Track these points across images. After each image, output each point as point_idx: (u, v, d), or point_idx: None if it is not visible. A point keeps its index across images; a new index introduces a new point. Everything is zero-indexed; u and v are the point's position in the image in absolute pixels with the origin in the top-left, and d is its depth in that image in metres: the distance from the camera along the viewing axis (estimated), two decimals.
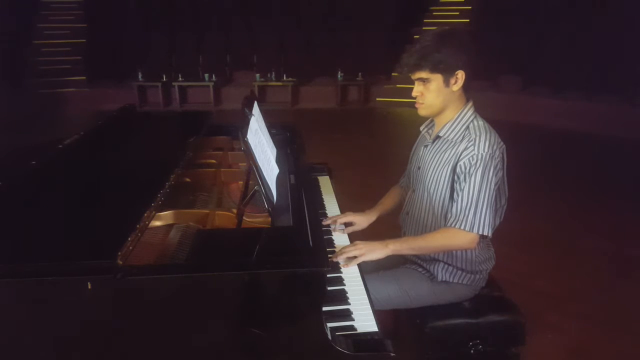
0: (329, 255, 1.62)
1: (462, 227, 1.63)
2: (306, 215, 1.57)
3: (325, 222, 1.94)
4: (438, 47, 1.63)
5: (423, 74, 1.67)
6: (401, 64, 1.72)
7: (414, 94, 1.73)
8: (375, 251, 1.65)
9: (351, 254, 1.65)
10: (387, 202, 2.11)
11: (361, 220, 1.99)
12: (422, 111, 1.75)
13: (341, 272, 1.63)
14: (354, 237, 1.92)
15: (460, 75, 1.66)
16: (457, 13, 9.99)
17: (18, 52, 8.88)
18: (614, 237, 3.81)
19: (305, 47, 9.63)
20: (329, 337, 1.22)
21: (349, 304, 1.48)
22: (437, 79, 1.67)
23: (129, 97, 8.17)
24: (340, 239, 1.89)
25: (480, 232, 1.63)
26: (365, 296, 1.53)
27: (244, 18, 9.88)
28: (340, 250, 1.69)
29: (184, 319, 1.20)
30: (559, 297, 2.95)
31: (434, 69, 1.65)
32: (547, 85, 7.75)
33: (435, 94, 1.69)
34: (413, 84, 1.73)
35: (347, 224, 1.99)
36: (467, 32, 1.77)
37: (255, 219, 1.67)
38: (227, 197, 1.91)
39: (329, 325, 1.30)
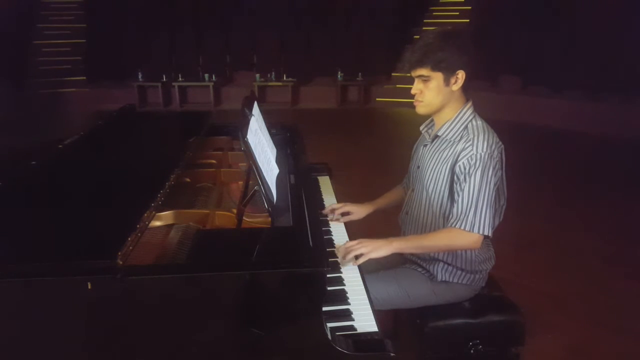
0: (332, 259, 1.61)
1: (463, 227, 1.62)
2: (306, 215, 1.57)
3: (323, 212, 1.98)
4: (441, 46, 1.63)
5: (424, 72, 1.67)
6: (403, 60, 1.72)
7: (413, 91, 1.73)
8: (380, 249, 1.62)
9: (357, 252, 1.61)
10: (387, 197, 2.13)
11: (358, 210, 2.03)
12: (421, 109, 1.75)
13: (341, 272, 1.63)
14: (355, 234, 1.92)
15: (461, 75, 1.66)
16: (457, 13, 9.98)
17: (18, 52, 8.87)
18: (614, 237, 3.81)
19: (305, 47, 9.63)
20: (329, 337, 1.22)
21: (349, 304, 1.48)
22: (437, 78, 1.67)
23: (129, 97, 8.16)
24: (339, 236, 1.90)
25: (481, 232, 1.62)
26: (365, 296, 1.53)
27: (244, 18, 9.88)
28: (344, 246, 1.65)
29: (184, 319, 1.21)
30: (559, 297, 2.95)
31: (435, 67, 1.65)
32: (547, 85, 7.75)
33: (434, 93, 1.69)
34: (413, 84, 1.73)
35: (344, 214, 2.02)
36: (470, 32, 1.77)
37: (255, 219, 1.67)
38: (227, 197, 1.91)
39: (329, 325, 1.30)
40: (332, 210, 2.01)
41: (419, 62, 1.66)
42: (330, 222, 2.01)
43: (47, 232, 1.33)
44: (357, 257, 1.62)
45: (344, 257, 1.62)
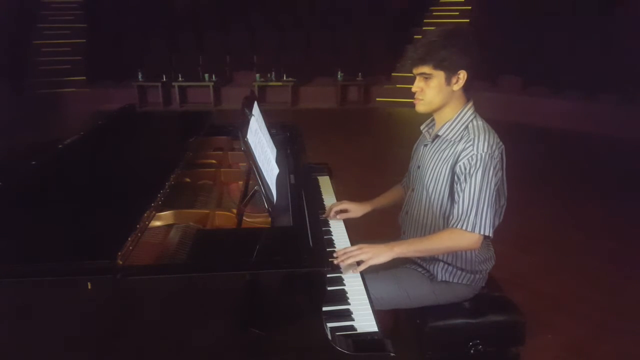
0: (331, 259, 1.60)
1: (464, 228, 1.62)
2: (306, 215, 1.57)
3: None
4: (444, 45, 1.63)
5: (426, 69, 1.67)
6: (405, 57, 1.72)
7: (414, 89, 1.73)
8: (381, 255, 1.61)
9: (357, 258, 1.60)
10: (386, 197, 2.13)
11: (356, 209, 2.04)
12: (420, 107, 1.75)
13: (341, 272, 1.63)
14: (354, 235, 1.92)
15: (462, 75, 1.66)
16: (457, 13, 9.99)
17: (18, 52, 8.87)
18: (614, 237, 3.80)
19: (305, 47, 9.63)
20: (329, 337, 1.22)
21: (349, 304, 1.48)
22: (439, 76, 1.66)
23: (129, 97, 8.16)
24: (339, 237, 1.89)
25: (482, 232, 1.62)
26: (365, 296, 1.53)
27: (244, 18, 9.88)
28: (344, 251, 1.63)
29: (184, 319, 1.21)
30: (559, 297, 2.95)
31: (438, 66, 1.65)
32: (547, 85, 7.75)
33: (435, 91, 1.69)
34: (413, 84, 1.73)
35: (342, 211, 2.04)
36: (473, 33, 1.76)
37: (255, 219, 1.67)
38: (227, 197, 1.91)
39: (329, 325, 1.30)
40: (330, 209, 2.03)
41: (422, 59, 1.66)
42: (330, 221, 2.01)
43: (47, 232, 1.33)
44: (358, 264, 1.62)
45: (343, 262, 1.61)
